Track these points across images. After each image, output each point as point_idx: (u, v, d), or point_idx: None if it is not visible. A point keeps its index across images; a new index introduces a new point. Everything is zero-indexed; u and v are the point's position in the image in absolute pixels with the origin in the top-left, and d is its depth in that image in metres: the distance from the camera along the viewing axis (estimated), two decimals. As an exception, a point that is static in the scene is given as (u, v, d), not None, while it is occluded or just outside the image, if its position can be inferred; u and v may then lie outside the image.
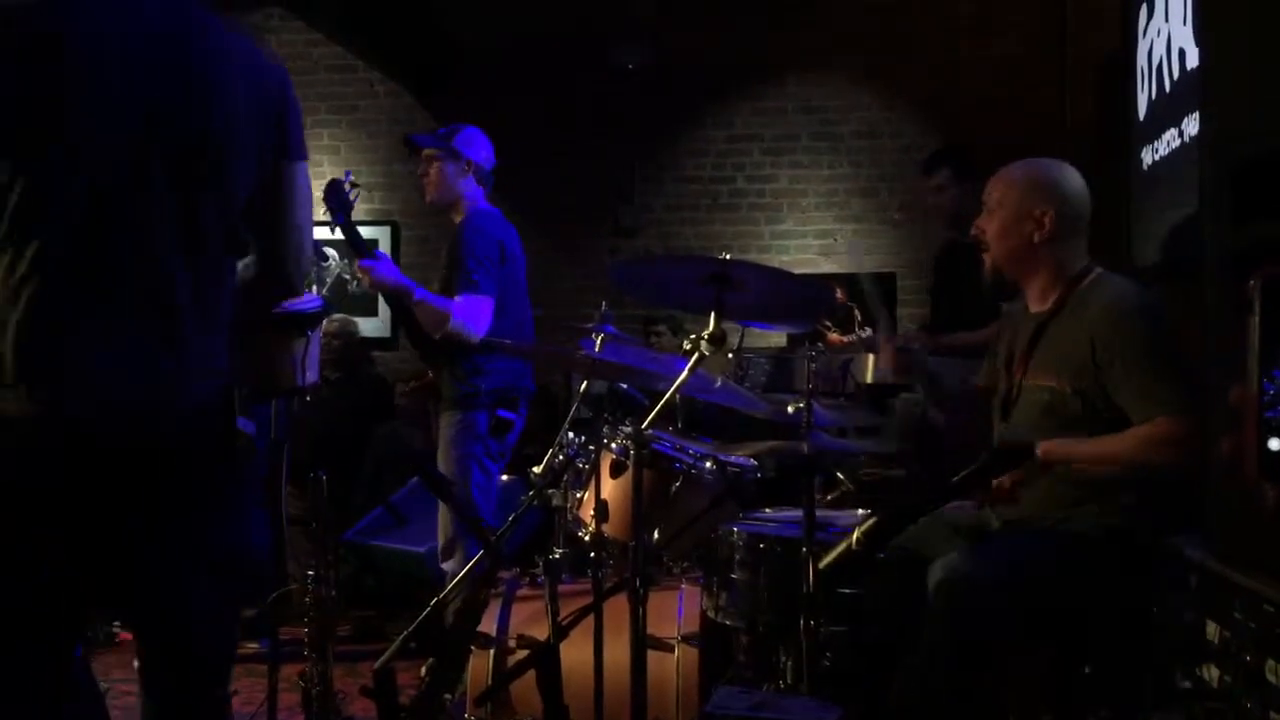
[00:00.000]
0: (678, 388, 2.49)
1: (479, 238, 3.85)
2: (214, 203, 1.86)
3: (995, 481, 2.47)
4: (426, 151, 4.02)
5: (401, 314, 4.03)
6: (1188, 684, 1.67)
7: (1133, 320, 2.49)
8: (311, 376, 2.64)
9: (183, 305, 1.81)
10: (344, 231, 3.78)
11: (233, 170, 1.88)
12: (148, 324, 1.78)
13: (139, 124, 1.78)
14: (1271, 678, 1.45)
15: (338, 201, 3.75)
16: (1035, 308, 2.71)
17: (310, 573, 2.61)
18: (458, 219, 4.02)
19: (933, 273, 4.83)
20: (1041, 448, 2.46)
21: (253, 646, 4.41)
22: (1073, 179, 2.70)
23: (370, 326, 6.66)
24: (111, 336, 1.75)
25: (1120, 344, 2.46)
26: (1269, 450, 0.75)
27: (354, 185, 3.78)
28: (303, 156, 2.02)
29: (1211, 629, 1.62)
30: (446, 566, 3.91)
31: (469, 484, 3.88)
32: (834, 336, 5.29)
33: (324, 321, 5.95)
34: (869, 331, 5.25)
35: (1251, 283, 0.75)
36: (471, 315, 3.78)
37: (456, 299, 3.81)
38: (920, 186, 4.89)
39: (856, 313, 5.54)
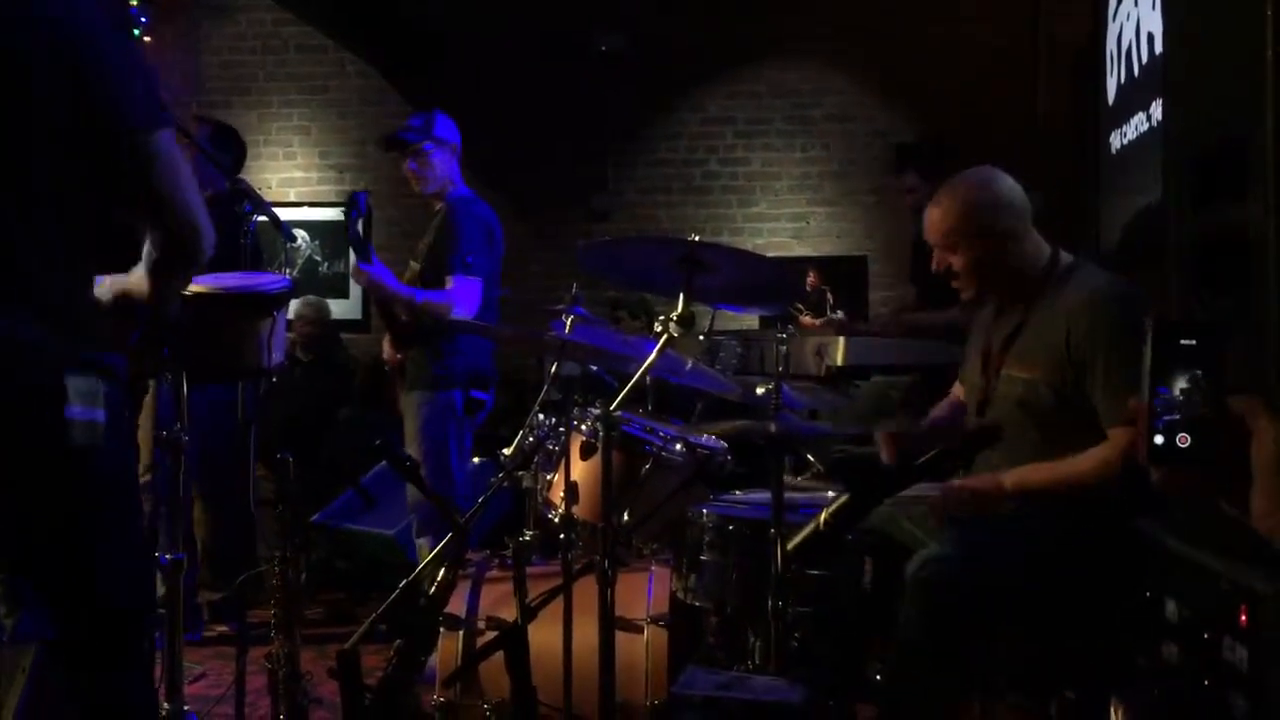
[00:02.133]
0: (646, 369, 2.49)
1: (471, 222, 3.96)
2: (17, 181, 1.76)
3: (955, 496, 2.49)
4: (406, 149, 4.05)
5: (381, 304, 4.10)
6: (1146, 661, 1.69)
7: (1111, 317, 2.46)
8: (278, 357, 2.63)
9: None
10: (353, 237, 3.92)
11: (36, 145, 1.78)
12: None
13: None
14: (1229, 655, 1.47)
15: (357, 212, 3.89)
16: (1009, 308, 2.69)
17: (277, 554, 2.60)
18: (440, 204, 4.09)
19: (911, 263, 4.83)
20: (1007, 479, 2.48)
21: (222, 629, 4.40)
22: (1006, 182, 2.65)
23: (340, 308, 6.63)
24: None
25: (1098, 341, 2.44)
26: (1154, 444, 1.06)
27: (369, 207, 3.96)
28: (157, 124, 1.86)
29: (1171, 608, 1.64)
30: (421, 542, 3.97)
31: (448, 463, 3.94)
32: (806, 319, 5.31)
33: (296, 303, 5.95)
34: (841, 314, 5.28)
35: (1146, 321, 1.06)
36: (465, 297, 3.89)
37: (450, 281, 3.89)
38: (892, 176, 4.90)
39: (829, 296, 5.57)
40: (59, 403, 1.74)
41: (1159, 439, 1.05)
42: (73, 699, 1.88)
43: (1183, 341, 1.04)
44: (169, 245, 1.92)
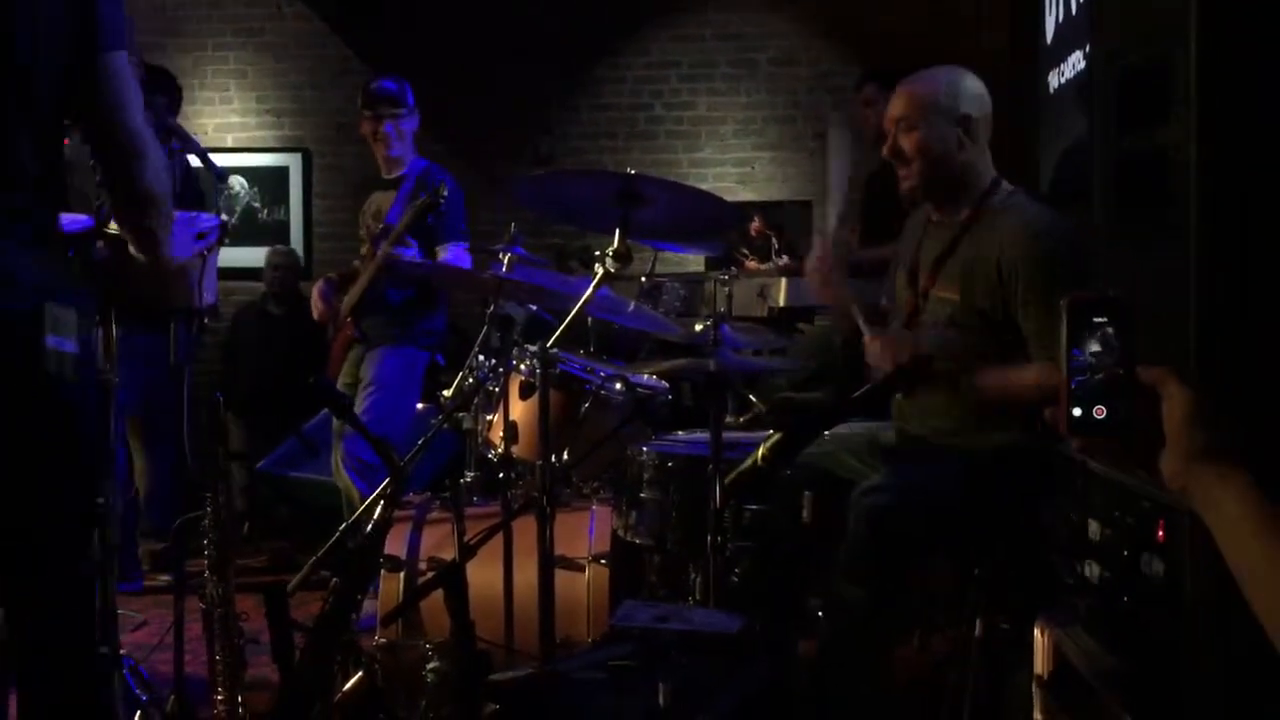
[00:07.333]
0: (583, 305, 2.48)
1: (453, 193, 4.02)
2: (16, 103, 1.75)
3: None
4: (389, 110, 4.08)
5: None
6: (1071, 581, 1.73)
7: (1045, 248, 2.45)
8: (209, 298, 2.59)
9: None
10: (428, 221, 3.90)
11: (37, 64, 1.76)
12: None
13: None
14: (1146, 569, 1.50)
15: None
16: (944, 219, 2.68)
17: (207, 495, 2.57)
18: (400, 171, 4.14)
19: (863, 197, 4.80)
20: (979, 378, 2.48)
21: (165, 579, 4.36)
22: (975, 82, 2.64)
23: (282, 257, 6.54)
24: None
25: (1030, 271, 2.44)
26: (1073, 416, 1.11)
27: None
28: (122, 45, 1.86)
29: (1094, 528, 1.67)
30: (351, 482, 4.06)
31: (401, 417, 4.01)
32: (751, 264, 5.32)
33: (266, 253, 5.83)
34: (785, 259, 5.29)
35: (1061, 301, 1.12)
36: (462, 262, 4.03)
37: (447, 248, 4.00)
38: (848, 105, 4.89)
39: (774, 241, 5.57)
40: (39, 330, 1.74)
41: (1077, 411, 1.11)
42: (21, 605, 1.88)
43: (1095, 319, 1.10)
44: (112, 168, 1.91)
